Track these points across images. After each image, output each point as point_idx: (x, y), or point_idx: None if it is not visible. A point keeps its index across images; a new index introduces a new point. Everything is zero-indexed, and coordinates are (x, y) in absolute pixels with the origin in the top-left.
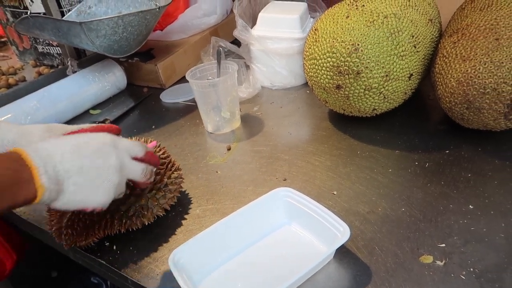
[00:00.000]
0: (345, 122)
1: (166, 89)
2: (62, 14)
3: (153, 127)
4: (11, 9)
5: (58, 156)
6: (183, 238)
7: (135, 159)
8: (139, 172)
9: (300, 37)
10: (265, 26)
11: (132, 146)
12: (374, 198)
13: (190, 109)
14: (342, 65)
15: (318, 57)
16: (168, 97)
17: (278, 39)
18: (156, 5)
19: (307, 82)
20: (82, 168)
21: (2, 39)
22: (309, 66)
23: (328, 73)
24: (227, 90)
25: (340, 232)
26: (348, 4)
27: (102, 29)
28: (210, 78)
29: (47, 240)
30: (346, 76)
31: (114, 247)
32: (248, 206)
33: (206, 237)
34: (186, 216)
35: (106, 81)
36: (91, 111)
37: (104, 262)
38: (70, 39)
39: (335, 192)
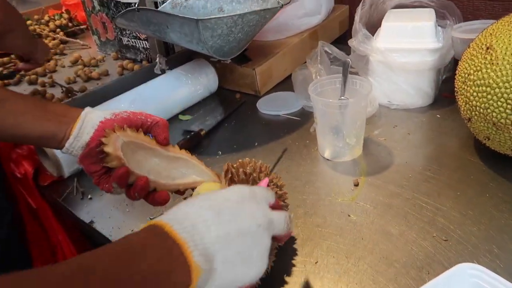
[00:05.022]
0: (506, 165)
1: (262, 97)
2: (156, 6)
3: (256, 144)
4: None
5: (201, 225)
6: None
7: (270, 207)
8: (283, 222)
9: (436, 48)
10: (391, 36)
11: (266, 191)
12: None
13: (294, 124)
14: None
15: (494, 85)
16: (267, 108)
17: (407, 51)
18: (279, 2)
19: (432, 103)
20: (228, 236)
21: (82, 26)
22: (476, 94)
23: (509, 106)
24: (357, 113)
25: None
26: None
27: (219, 28)
28: (342, 98)
29: None
30: None
31: None
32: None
33: None
34: (325, 276)
35: (199, 84)
36: (180, 117)
37: None
38: (177, 37)
39: None
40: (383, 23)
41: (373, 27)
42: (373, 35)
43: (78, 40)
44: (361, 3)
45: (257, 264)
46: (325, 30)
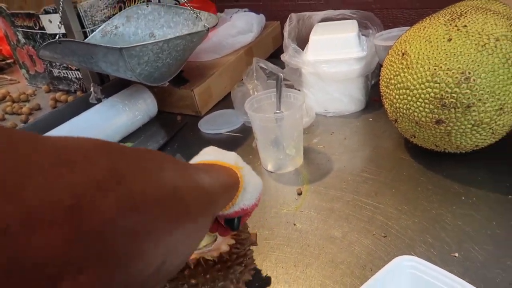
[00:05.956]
0: (432, 159)
1: (203, 117)
2: (85, 35)
3: None
4: (24, 29)
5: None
6: None
7: None
8: None
9: (361, 56)
10: (319, 49)
11: None
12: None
13: (237, 141)
14: (448, 97)
15: (412, 87)
16: (208, 127)
17: (335, 62)
18: (205, 26)
19: (364, 108)
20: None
21: (8, 61)
22: (397, 97)
23: (427, 105)
24: (294, 124)
25: None
26: (445, 24)
27: (145, 55)
28: (277, 112)
29: None
30: (452, 110)
31: None
32: (369, 285)
33: None
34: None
35: (137, 110)
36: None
37: None
38: (104, 66)
39: (456, 255)
40: (311, 37)
41: (303, 40)
42: (303, 49)
43: (5, 76)
44: (288, 19)
45: (257, 175)
46: (260, 46)
